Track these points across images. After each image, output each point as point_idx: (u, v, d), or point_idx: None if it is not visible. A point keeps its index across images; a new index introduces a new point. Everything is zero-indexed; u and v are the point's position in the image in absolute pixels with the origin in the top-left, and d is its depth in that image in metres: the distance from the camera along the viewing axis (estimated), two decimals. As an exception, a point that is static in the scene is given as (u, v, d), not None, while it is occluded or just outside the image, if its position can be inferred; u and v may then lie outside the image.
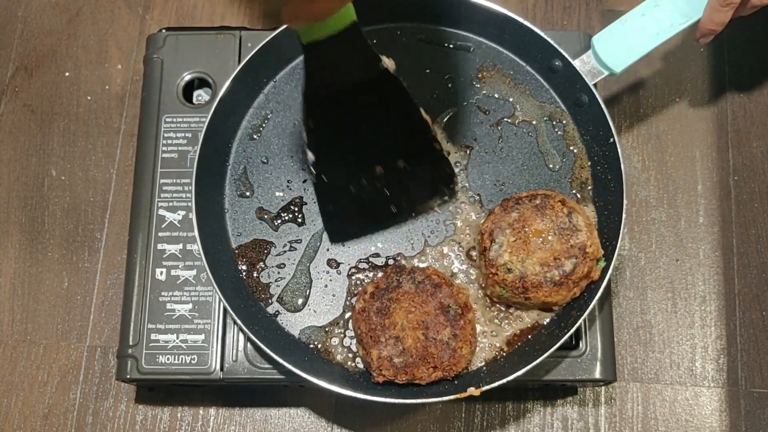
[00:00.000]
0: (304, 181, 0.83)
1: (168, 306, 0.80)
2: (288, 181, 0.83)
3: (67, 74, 1.03)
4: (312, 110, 0.72)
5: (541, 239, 0.75)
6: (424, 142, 0.77)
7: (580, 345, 0.79)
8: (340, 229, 0.80)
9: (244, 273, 0.80)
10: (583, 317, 0.74)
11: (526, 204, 0.77)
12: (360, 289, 0.79)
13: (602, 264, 0.76)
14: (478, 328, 0.78)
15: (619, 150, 0.78)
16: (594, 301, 0.74)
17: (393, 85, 0.73)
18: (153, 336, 0.79)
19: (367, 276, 0.80)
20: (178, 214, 0.83)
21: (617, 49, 0.81)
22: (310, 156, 0.74)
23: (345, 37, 0.67)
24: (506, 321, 0.78)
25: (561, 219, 0.76)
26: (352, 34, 0.67)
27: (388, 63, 0.73)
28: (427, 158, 0.79)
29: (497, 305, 0.79)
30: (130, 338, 0.80)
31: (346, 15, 0.66)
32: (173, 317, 0.80)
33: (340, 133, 0.74)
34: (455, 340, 0.74)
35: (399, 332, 0.73)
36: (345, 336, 0.78)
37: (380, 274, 0.79)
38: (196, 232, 0.76)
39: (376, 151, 0.77)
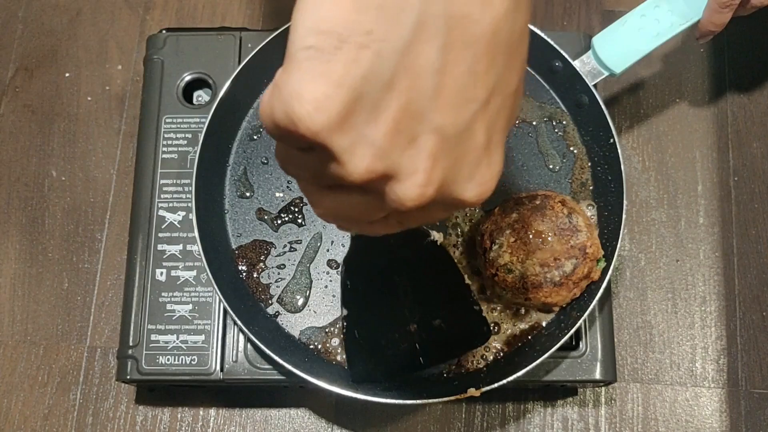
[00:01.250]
0: (304, 182, 0.83)
1: (168, 307, 0.80)
2: (288, 182, 0.83)
3: (67, 75, 1.03)
4: (352, 275, 0.71)
5: (541, 240, 0.75)
6: (465, 304, 0.75)
7: (580, 345, 0.79)
8: (364, 373, 0.75)
9: (244, 274, 0.80)
10: (583, 318, 0.74)
11: (526, 205, 0.77)
12: None
13: (602, 264, 0.76)
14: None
15: (619, 151, 0.78)
16: (594, 302, 0.74)
17: (440, 255, 0.72)
18: (153, 337, 0.79)
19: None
20: (178, 214, 0.83)
21: (617, 49, 0.81)
22: (344, 311, 0.72)
23: None
24: (506, 321, 0.78)
25: (561, 219, 0.76)
26: None
27: (437, 236, 0.74)
28: (466, 319, 0.75)
29: (497, 305, 0.79)
30: (131, 339, 0.80)
31: None
32: (173, 318, 0.80)
33: (377, 293, 0.73)
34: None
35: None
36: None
37: None
38: (196, 233, 0.76)
39: (413, 310, 0.74)
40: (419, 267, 0.73)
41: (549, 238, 0.75)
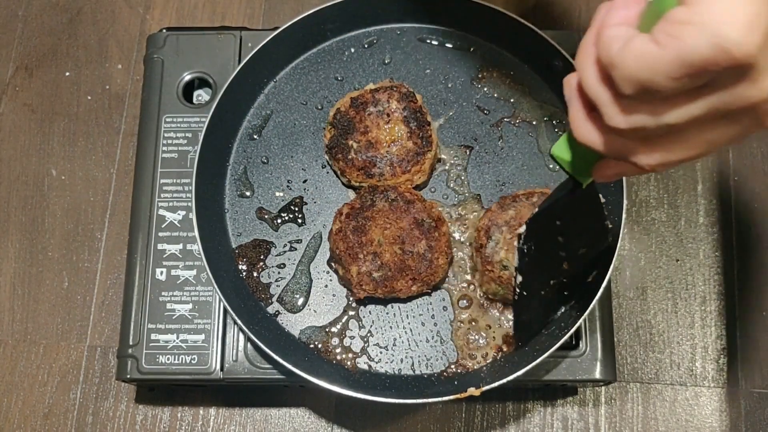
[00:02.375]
0: (305, 181, 0.83)
1: (168, 306, 0.80)
2: (288, 181, 0.83)
3: (67, 74, 1.03)
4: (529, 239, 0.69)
5: None
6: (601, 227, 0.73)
7: (580, 345, 0.79)
8: (529, 329, 0.75)
9: (244, 273, 0.80)
10: (583, 317, 0.73)
11: (523, 201, 0.77)
12: (335, 214, 0.79)
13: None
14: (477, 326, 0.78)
15: (619, 150, 0.78)
16: (594, 301, 0.74)
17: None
18: (153, 336, 0.79)
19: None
20: (179, 214, 0.83)
21: (618, 49, 0.81)
22: (519, 278, 0.71)
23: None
24: (505, 320, 0.78)
25: None
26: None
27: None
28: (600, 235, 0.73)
29: (496, 304, 0.79)
30: (131, 338, 0.80)
31: None
32: (173, 317, 0.80)
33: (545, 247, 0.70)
34: (431, 251, 0.76)
35: (376, 248, 0.76)
36: (345, 336, 0.78)
37: None
38: (196, 232, 0.76)
39: (567, 247, 0.72)
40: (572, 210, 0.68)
41: None
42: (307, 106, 0.86)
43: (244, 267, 0.81)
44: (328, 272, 0.81)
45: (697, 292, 0.93)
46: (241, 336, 0.79)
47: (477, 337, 0.78)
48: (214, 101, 0.81)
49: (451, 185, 0.83)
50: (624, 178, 0.77)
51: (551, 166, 0.84)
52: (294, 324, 0.79)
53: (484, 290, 0.78)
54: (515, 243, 0.71)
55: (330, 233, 0.79)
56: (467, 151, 0.85)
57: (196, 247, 0.79)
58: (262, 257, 0.81)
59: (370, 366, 0.77)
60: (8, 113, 1.01)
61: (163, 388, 0.89)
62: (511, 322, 0.78)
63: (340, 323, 0.79)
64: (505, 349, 0.77)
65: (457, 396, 0.72)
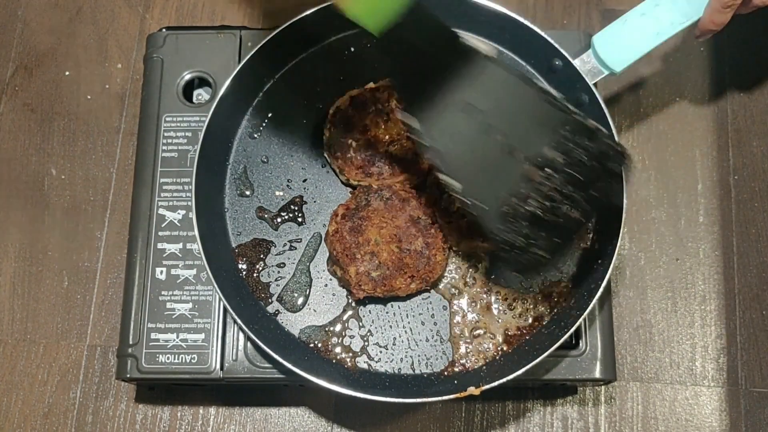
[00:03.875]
0: (305, 181, 0.83)
1: (168, 305, 0.80)
2: (288, 181, 0.83)
3: (67, 73, 1.03)
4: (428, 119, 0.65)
5: None
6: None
7: (580, 344, 0.79)
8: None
9: (244, 272, 0.80)
10: (582, 317, 0.74)
11: None
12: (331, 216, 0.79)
13: None
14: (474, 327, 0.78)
15: (619, 149, 0.78)
16: (594, 301, 0.74)
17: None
18: (153, 335, 0.79)
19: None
20: (178, 213, 0.83)
21: (617, 48, 0.81)
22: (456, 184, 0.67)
23: (411, 17, 0.61)
24: (505, 318, 0.78)
25: None
26: (417, 13, 0.62)
27: (489, 50, 0.67)
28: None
29: (496, 303, 0.79)
30: (130, 337, 0.80)
31: None
32: (173, 316, 0.80)
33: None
34: (428, 248, 0.77)
35: (373, 248, 0.76)
36: (345, 335, 0.78)
37: None
38: (196, 232, 0.76)
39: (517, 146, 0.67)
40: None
41: None
42: (307, 105, 0.86)
43: (244, 266, 0.81)
44: (327, 271, 0.81)
45: (697, 291, 0.93)
46: (241, 335, 0.79)
47: (477, 336, 0.78)
48: (214, 100, 0.81)
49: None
50: (624, 178, 0.77)
51: (551, 165, 0.83)
52: (294, 323, 0.79)
53: (455, 248, 0.80)
54: None
55: (326, 235, 0.79)
56: (467, 150, 0.84)
57: (196, 247, 0.79)
58: (261, 256, 0.81)
59: (369, 365, 0.77)
60: (8, 113, 1.01)
61: (163, 388, 0.89)
62: (511, 321, 0.78)
63: (340, 322, 0.79)
64: (505, 348, 0.77)
65: (457, 395, 0.72)
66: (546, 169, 0.66)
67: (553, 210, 0.66)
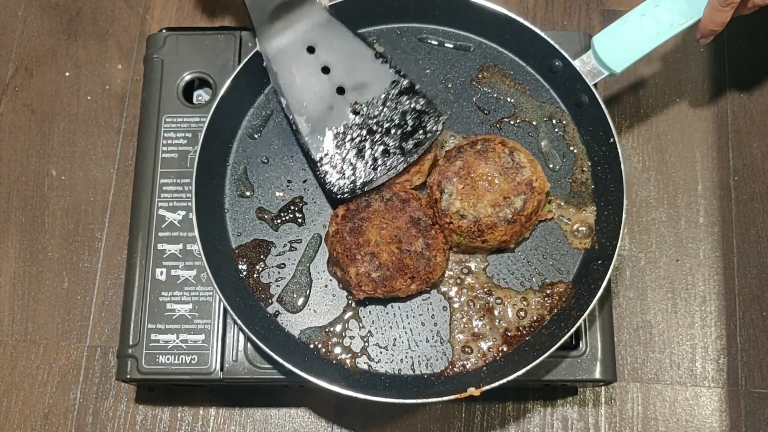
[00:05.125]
0: (305, 181, 0.83)
1: (168, 306, 0.80)
2: (288, 181, 0.83)
3: (67, 74, 1.03)
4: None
5: (488, 182, 0.78)
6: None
7: (580, 345, 0.79)
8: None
9: (244, 273, 0.80)
10: (583, 317, 0.74)
11: (468, 150, 0.79)
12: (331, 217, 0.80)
13: (550, 207, 0.81)
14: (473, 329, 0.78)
15: (619, 150, 0.78)
16: (594, 301, 0.74)
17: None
18: (153, 336, 0.79)
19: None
20: (179, 214, 0.83)
21: (617, 49, 0.81)
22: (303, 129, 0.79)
23: None
24: (505, 319, 0.78)
25: (504, 159, 0.78)
26: None
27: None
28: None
29: (496, 304, 0.79)
30: (131, 338, 0.80)
31: None
32: (173, 317, 0.80)
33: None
34: (428, 249, 0.77)
35: (374, 248, 0.76)
36: (345, 336, 0.78)
37: None
38: (196, 232, 0.76)
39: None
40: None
41: (495, 179, 0.78)
42: (307, 106, 0.86)
43: (244, 267, 0.81)
44: (327, 272, 0.81)
45: (697, 292, 0.93)
46: (241, 336, 0.79)
47: (477, 336, 0.78)
48: (214, 101, 0.81)
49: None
50: (624, 179, 0.77)
51: (551, 165, 0.84)
52: (294, 324, 0.79)
53: (455, 249, 0.80)
54: None
55: (327, 235, 0.79)
56: (467, 151, 0.84)
57: (196, 247, 0.79)
58: (262, 257, 0.81)
59: (370, 366, 0.77)
60: (8, 113, 1.01)
61: (163, 388, 0.89)
62: (511, 322, 0.78)
63: (340, 323, 0.79)
64: (505, 348, 0.77)
65: (457, 396, 0.72)
66: (367, 108, 0.79)
67: (369, 144, 0.78)
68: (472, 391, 0.72)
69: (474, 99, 0.86)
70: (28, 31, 1.05)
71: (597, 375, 0.79)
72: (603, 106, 0.80)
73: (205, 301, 0.81)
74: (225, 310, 0.80)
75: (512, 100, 0.86)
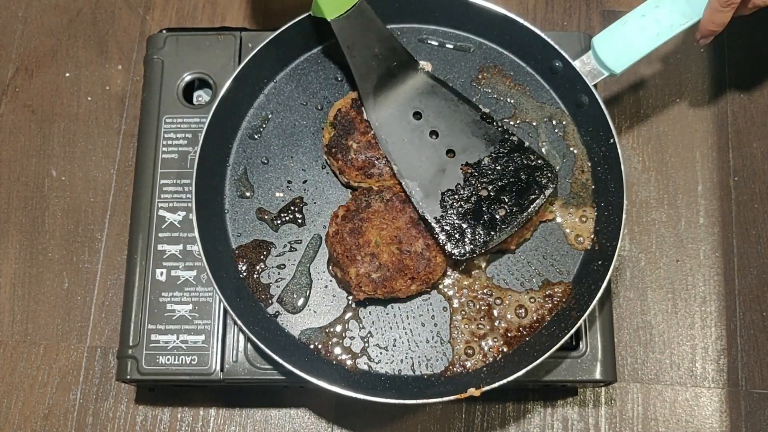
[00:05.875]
0: (305, 182, 0.83)
1: (168, 306, 0.80)
2: (288, 182, 0.83)
3: (67, 75, 1.03)
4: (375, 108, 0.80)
5: None
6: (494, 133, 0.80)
7: (581, 346, 0.79)
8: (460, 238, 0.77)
9: (244, 273, 0.80)
10: (583, 318, 0.74)
11: None
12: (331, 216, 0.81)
13: (551, 208, 0.81)
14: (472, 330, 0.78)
15: (619, 151, 0.78)
16: (594, 302, 0.74)
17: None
18: (153, 336, 0.79)
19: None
20: (179, 214, 0.83)
21: (617, 49, 0.81)
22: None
23: (360, 12, 0.78)
24: (506, 320, 0.78)
25: None
26: (363, 9, 0.78)
27: (426, 65, 0.82)
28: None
29: (479, 314, 0.79)
30: (131, 339, 0.80)
31: None
32: (173, 318, 0.80)
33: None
34: (429, 249, 0.77)
35: (374, 249, 0.76)
36: (345, 336, 0.78)
37: None
38: (196, 233, 0.76)
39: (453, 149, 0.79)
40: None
41: None
42: (307, 106, 0.86)
43: (244, 267, 0.81)
44: (327, 273, 0.81)
45: (698, 292, 0.93)
46: (241, 336, 0.79)
47: (477, 337, 0.78)
48: (214, 102, 0.81)
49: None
50: (624, 180, 0.77)
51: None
52: (294, 324, 0.79)
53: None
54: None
55: (327, 236, 0.79)
56: (467, 151, 0.85)
57: (196, 248, 0.79)
58: (262, 258, 0.81)
59: (370, 366, 0.77)
60: (8, 114, 1.01)
61: (163, 389, 0.89)
62: (511, 322, 0.78)
63: (340, 324, 0.79)
64: (505, 349, 0.77)
65: (457, 396, 0.72)
66: (478, 168, 0.78)
67: (485, 204, 0.77)
68: (473, 391, 0.72)
69: (474, 100, 0.86)
70: (28, 32, 1.05)
71: (597, 375, 0.79)
72: (603, 106, 0.80)
73: (205, 302, 0.81)
74: (225, 311, 0.80)
75: (512, 101, 0.86)
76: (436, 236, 0.76)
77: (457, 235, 0.76)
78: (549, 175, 0.77)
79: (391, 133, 0.79)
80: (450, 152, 0.79)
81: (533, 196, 0.77)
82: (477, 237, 0.76)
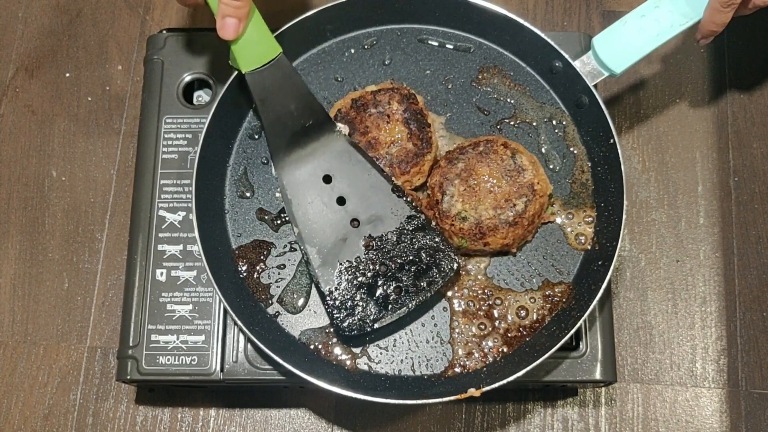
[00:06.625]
0: (305, 182, 0.83)
1: (168, 307, 0.80)
2: (288, 182, 0.83)
3: (67, 75, 1.03)
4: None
5: (489, 184, 0.78)
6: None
7: (581, 346, 0.79)
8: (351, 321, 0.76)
9: (244, 274, 0.80)
10: (583, 318, 0.74)
11: (470, 152, 0.79)
12: None
13: (553, 209, 0.81)
14: (471, 333, 0.78)
15: (619, 151, 0.78)
16: (594, 302, 0.74)
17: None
18: (153, 337, 0.79)
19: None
20: (179, 215, 0.83)
21: (617, 50, 0.81)
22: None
23: (278, 67, 0.77)
24: (506, 320, 0.78)
25: (506, 161, 0.78)
26: (282, 65, 0.77)
27: (343, 128, 0.80)
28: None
29: (479, 314, 0.79)
30: (131, 339, 0.80)
31: (272, 48, 0.77)
32: (173, 318, 0.80)
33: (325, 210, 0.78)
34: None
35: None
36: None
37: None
38: (196, 233, 0.76)
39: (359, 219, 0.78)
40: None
41: (497, 181, 0.78)
42: (307, 106, 0.86)
43: (245, 268, 0.81)
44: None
45: (698, 292, 0.93)
46: (241, 337, 0.79)
47: (477, 337, 0.78)
48: (214, 102, 0.81)
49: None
50: (624, 180, 0.77)
51: (551, 166, 0.84)
52: (294, 325, 0.79)
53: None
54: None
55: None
56: (467, 151, 0.84)
57: (197, 248, 0.79)
58: (262, 258, 0.81)
59: (370, 367, 0.77)
60: (8, 114, 1.01)
61: (163, 389, 0.89)
62: (511, 323, 0.78)
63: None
64: (505, 349, 0.77)
65: (458, 397, 0.72)
66: (381, 242, 0.76)
67: (381, 280, 0.76)
68: (473, 391, 0.72)
69: (474, 100, 0.86)
70: (28, 32, 1.05)
71: (597, 376, 0.79)
72: (603, 106, 0.80)
73: (205, 302, 0.81)
74: (225, 311, 0.80)
75: (512, 101, 0.86)
76: (327, 308, 0.75)
77: (347, 308, 0.75)
78: (450, 258, 0.76)
79: (298, 194, 0.78)
80: (355, 221, 0.77)
81: (431, 279, 0.75)
82: (368, 313, 0.75)
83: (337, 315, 0.75)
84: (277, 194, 0.83)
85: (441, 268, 0.76)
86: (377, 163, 0.79)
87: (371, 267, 0.76)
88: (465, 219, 0.77)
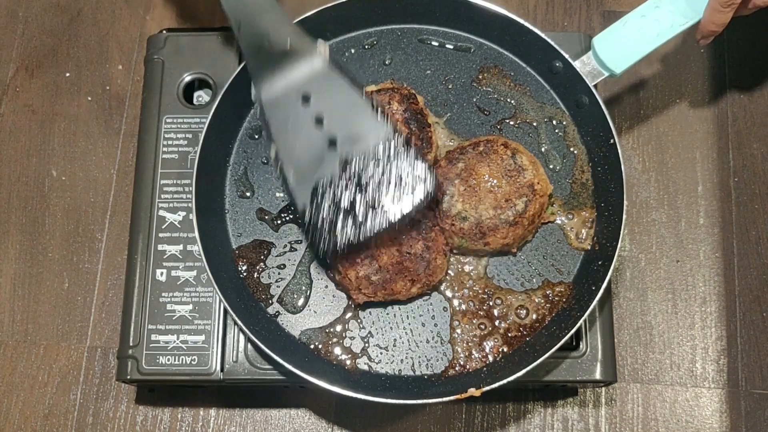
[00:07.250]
0: (305, 182, 0.83)
1: (168, 307, 0.80)
2: (288, 182, 0.83)
3: (67, 75, 1.03)
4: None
5: (489, 184, 0.78)
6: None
7: (581, 346, 0.79)
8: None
9: (244, 274, 0.80)
10: (583, 318, 0.74)
11: (471, 152, 0.79)
12: None
13: (553, 209, 0.80)
14: (470, 334, 0.78)
15: (619, 151, 0.78)
16: (594, 302, 0.74)
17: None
18: (153, 337, 0.79)
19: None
20: (179, 214, 0.83)
21: (618, 50, 0.81)
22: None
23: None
24: (506, 320, 0.78)
25: (506, 161, 0.78)
26: None
27: (321, 46, 0.76)
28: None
29: (479, 314, 0.79)
30: (131, 339, 0.80)
31: None
32: (173, 318, 0.80)
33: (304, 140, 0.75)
34: (429, 251, 0.76)
35: (373, 252, 0.75)
36: (345, 337, 0.78)
37: None
38: (196, 233, 0.76)
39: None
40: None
41: (497, 181, 0.77)
42: (308, 106, 0.86)
43: (245, 268, 0.81)
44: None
45: (698, 293, 0.93)
46: (242, 337, 0.79)
47: (477, 337, 0.78)
48: (214, 102, 0.81)
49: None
50: (624, 180, 0.77)
51: (551, 166, 0.84)
52: (294, 325, 0.79)
53: (455, 250, 0.80)
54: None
55: None
56: (467, 151, 0.84)
57: (197, 248, 0.79)
58: (262, 258, 0.81)
59: (370, 367, 0.77)
60: (9, 114, 1.01)
61: (164, 389, 0.89)
62: (511, 323, 0.78)
63: (341, 324, 0.79)
64: (505, 349, 0.77)
65: (458, 397, 0.72)
66: (358, 161, 0.74)
67: (357, 199, 0.73)
68: (473, 391, 0.72)
69: (474, 100, 0.86)
70: (28, 32, 1.05)
71: (597, 376, 0.79)
72: (603, 107, 0.80)
73: (205, 302, 0.81)
74: (225, 311, 0.80)
75: (512, 101, 0.86)
76: (302, 228, 0.74)
77: (322, 226, 0.73)
78: (428, 179, 0.73)
79: (276, 114, 0.75)
80: (332, 142, 0.74)
81: (407, 198, 0.73)
82: (344, 232, 0.73)
83: (313, 233, 0.73)
84: (278, 194, 0.83)
85: (418, 187, 0.74)
86: (356, 82, 0.76)
87: (347, 185, 0.74)
88: (465, 219, 0.77)
